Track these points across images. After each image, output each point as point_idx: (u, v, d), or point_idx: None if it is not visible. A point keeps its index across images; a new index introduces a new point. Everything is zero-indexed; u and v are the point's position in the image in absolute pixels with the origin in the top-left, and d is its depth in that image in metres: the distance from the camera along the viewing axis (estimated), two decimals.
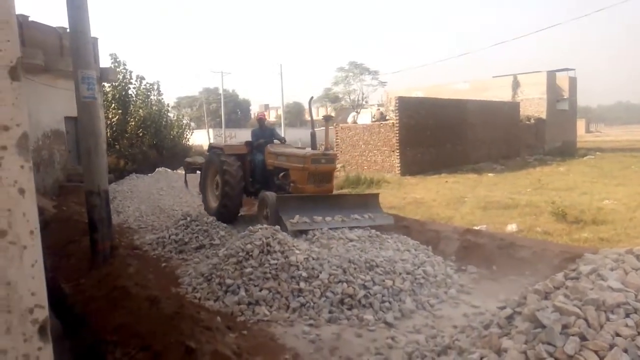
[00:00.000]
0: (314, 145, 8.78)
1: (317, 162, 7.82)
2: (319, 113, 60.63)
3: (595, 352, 2.33)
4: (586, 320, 2.48)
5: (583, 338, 2.40)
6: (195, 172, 10.71)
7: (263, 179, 8.74)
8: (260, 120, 9.75)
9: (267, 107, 71.07)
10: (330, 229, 6.88)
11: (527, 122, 27.95)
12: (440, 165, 19.34)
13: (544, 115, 29.14)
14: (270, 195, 7.49)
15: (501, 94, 29.44)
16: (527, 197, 11.59)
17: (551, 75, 30.54)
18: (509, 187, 13.68)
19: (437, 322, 4.29)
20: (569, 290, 2.77)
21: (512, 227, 8.05)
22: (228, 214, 8.45)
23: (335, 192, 9.82)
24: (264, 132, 9.31)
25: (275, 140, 9.35)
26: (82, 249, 6.63)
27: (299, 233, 6.77)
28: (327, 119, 9.25)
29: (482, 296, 4.92)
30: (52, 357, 1.25)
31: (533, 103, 29.35)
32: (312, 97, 9.55)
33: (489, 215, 9.39)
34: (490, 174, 17.95)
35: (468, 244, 6.48)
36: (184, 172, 11.36)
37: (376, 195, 8.50)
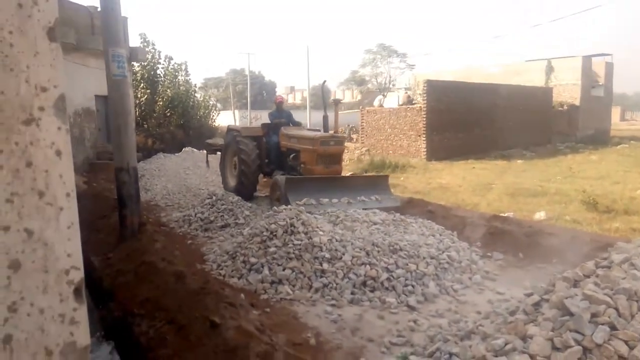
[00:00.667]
0: (326, 128, 8.94)
1: (326, 144, 8.04)
2: (344, 96, 60.30)
3: (625, 342, 2.27)
4: (617, 309, 2.41)
5: (613, 327, 2.34)
6: (216, 153, 11.06)
7: (277, 160, 9.01)
8: (280, 103, 10.01)
9: (292, 89, 70.97)
10: (339, 210, 7.01)
11: (560, 109, 27.17)
12: (467, 151, 19.01)
13: (577, 102, 28.24)
14: (281, 178, 7.71)
15: (534, 78, 28.63)
16: (557, 185, 11.32)
17: (587, 60, 29.47)
18: (538, 175, 13.39)
19: (460, 307, 4.25)
20: (599, 278, 2.69)
21: (540, 215, 7.89)
22: (245, 191, 8.74)
23: (347, 173, 10.27)
24: (281, 115, 9.57)
25: (291, 124, 9.60)
26: (111, 224, 6.80)
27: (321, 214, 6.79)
28: (336, 102, 9.42)
29: (507, 283, 4.85)
30: (87, 318, 1.29)
31: (567, 89, 28.46)
32: (324, 81, 10.09)
33: (516, 203, 9.22)
34: (519, 161, 17.58)
35: (494, 231, 6.37)
36: (205, 153, 11.72)
37: (385, 177, 8.71)
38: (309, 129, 9.94)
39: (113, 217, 6.80)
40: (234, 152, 9.22)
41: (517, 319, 2.73)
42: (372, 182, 8.35)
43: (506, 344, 2.56)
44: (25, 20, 1.14)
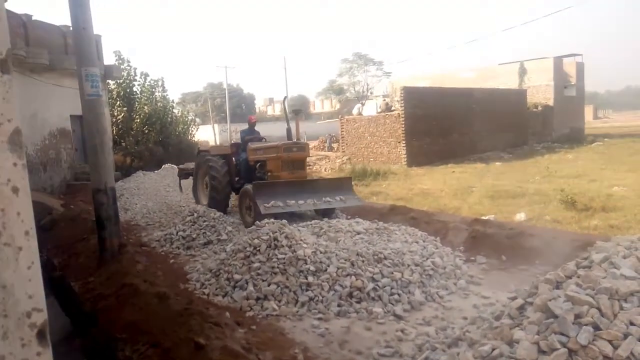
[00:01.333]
0: (289, 138, 9.30)
1: (289, 151, 8.47)
2: (323, 106, 60.57)
3: (609, 341, 2.29)
4: (599, 309, 2.44)
5: (596, 328, 2.36)
6: (188, 178, 11.27)
7: (247, 175, 9.29)
8: (253, 123, 10.45)
9: (271, 100, 70.99)
10: (304, 211, 7.42)
11: (535, 110, 27.69)
12: (447, 156, 19.23)
13: (551, 102, 28.86)
14: (249, 186, 8.02)
15: (508, 81, 29.18)
16: (536, 185, 11.50)
17: (558, 61, 30.20)
18: (517, 176, 13.58)
19: (447, 314, 4.25)
20: (581, 279, 2.73)
21: (520, 216, 7.99)
22: (217, 207, 8.85)
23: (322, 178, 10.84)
24: (252, 133, 10.01)
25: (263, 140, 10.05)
26: (91, 247, 6.66)
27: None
28: (297, 112, 10.05)
29: (492, 287, 4.88)
30: None
31: (540, 90, 29.07)
32: (285, 97, 11.14)
33: (497, 205, 9.32)
34: (497, 163, 17.84)
35: (477, 234, 6.42)
36: (178, 179, 12.01)
37: (349, 179, 9.17)
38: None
39: (92, 240, 6.66)
40: (204, 171, 9.51)
41: (503, 323, 2.74)
42: (336, 184, 8.75)
43: (493, 350, 2.57)
44: None
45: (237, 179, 9.45)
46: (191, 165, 11.46)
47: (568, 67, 31.26)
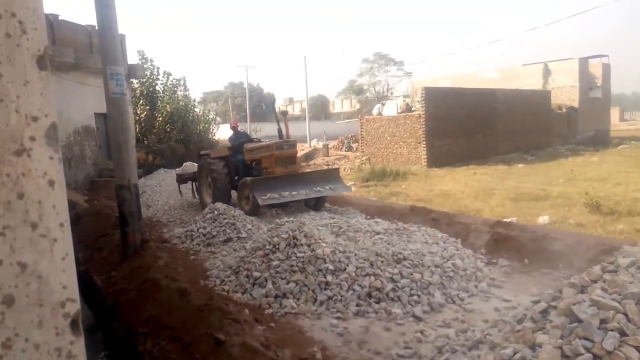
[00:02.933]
0: (280, 137, 10.29)
1: (281, 148, 9.46)
2: (343, 106, 60.46)
3: (636, 347, 2.23)
4: (626, 314, 2.38)
5: (622, 333, 2.30)
6: (186, 182, 11.81)
7: (245, 173, 9.97)
8: (234, 127, 11.88)
9: (291, 100, 71.21)
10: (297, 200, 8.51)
11: (559, 111, 27.20)
12: (468, 157, 19.02)
13: (576, 104, 28.30)
14: (248, 179, 8.96)
15: (532, 82, 28.72)
16: (559, 188, 11.29)
17: (584, 62, 29.59)
18: (540, 178, 13.36)
19: (467, 316, 4.20)
20: (607, 283, 2.66)
21: (544, 219, 7.86)
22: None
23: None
24: (239, 136, 11.22)
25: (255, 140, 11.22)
26: (114, 242, 6.77)
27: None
28: (284, 114, 11.04)
29: (513, 290, 4.80)
30: (84, 350, 1.25)
31: (565, 91, 28.53)
32: (274, 100, 13.47)
33: (519, 207, 9.18)
34: (520, 165, 17.57)
35: (498, 237, 6.33)
36: (177, 184, 12.32)
37: (336, 170, 10.37)
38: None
39: (115, 235, 6.78)
40: (206, 173, 10.26)
41: (525, 327, 2.70)
42: (325, 174, 9.78)
43: (515, 353, 2.53)
44: (14, 50, 1.13)
45: (236, 177, 10.14)
46: (188, 169, 12.16)
47: (594, 68, 30.60)
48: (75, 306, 1.22)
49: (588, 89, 29.68)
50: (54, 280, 1.18)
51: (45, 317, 1.17)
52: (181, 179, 12.00)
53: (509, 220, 7.58)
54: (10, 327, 1.12)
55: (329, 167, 12.61)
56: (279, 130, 10.34)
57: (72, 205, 10.22)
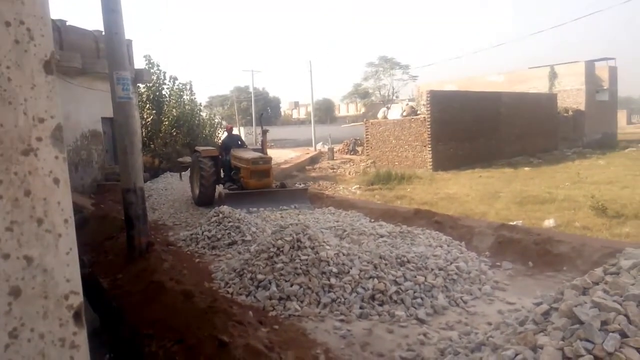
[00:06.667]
0: (263, 150, 11.92)
1: (256, 163, 10.54)
2: (348, 109, 60.52)
3: (637, 349, 2.23)
4: (627, 316, 2.38)
5: (623, 335, 2.31)
6: (186, 169, 13.57)
7: (227, 173, 11.60)
8: (230, 130, 13.00)
9: (296, 104, 71.38)
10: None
11: (565, 114, 27.09)
12: (473, 160, 18.97)
13: (582, 107, 28.17)
14: (224, 192, 10.67)
15: (538, 85, 28.64)
16: (565, 191, 11.25)
17: (590, 65, 29.47)
18: (546, 182, 13.32)
19: (470, 319, 4.20)
20: (608, 285, 2.67)
21: (549, 222, 7.84)
22: (205, 198, 11.09)
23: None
24: (232, 139, 12.30)
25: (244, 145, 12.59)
26: (120, 245, 6.83)
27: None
28: (264, 132, 12.45)
29: (517, 293, 4.80)
30: (87, 342, 1.30)
31: (571, 94, 28.42)
32: (262, 114, 14.53)
33: (525, 211, 9.16)
34: (526, 168, 17.51)
35: (503, 240, 6.32)
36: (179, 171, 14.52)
37: (304, 190, 11.65)
38: (253, 149, 12.44)
39: (121, 238, 6.83)
40: (197, 169, 11.43)
41: (527, 329, 2.71)
42: (294, 194, 10.86)
43: (516, 355, 2.54)
44: (22, 55, 1.20)
45: (222, 175, 11.65)
46: (188, 159, 13.93)
47: (600, 71, 30.45)
48: (78, 298, 1.27)
49: (595, 92, 29.54)
50: (59, 274, 1.24)
51: (49, 308, 1.22)
52: (181, 167, 14.17)
53: (514, 223, 7.57)
54: (17, 318, 1.17)
55: (302, 186, 13.95)
56: (263, 143, 12.20)
57: (78, 209, 10.30)
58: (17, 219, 1.18)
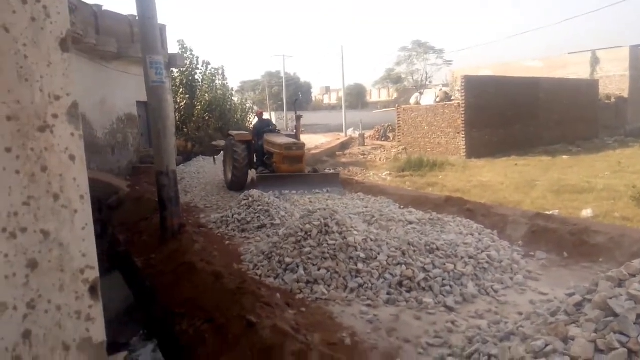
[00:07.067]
0: (297, 136, 11.97)
1: (289, 149, 10.54)
2: (380, 95, 59.82)
3: None
4: None
5: None
6: (219, 153, 13.54)
7: (260, 158, 11.68)
8: (260, 114, 13.04)
9: (328, 89, 70.99)
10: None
11: (607, 101, 26.01)
12: (509, 148, 18.50)
13: (625, 94, 26.98)
14: (255, 176, 10.80)
15: (578, 71, 27.56)
16: (605, 180, 10.85)
17: (635, 49, 28.08)
18: (585, 171, 12.87)
19: (501, 308, 4.12)
20: None
21: (587, 212, 7.59)
22: (237, 183, 11.16)
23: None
24: (262, 124, 12.29)
25: (277, 129, 12.78)
26: (154, 226, 7.01)
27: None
28: (299, 118, 12.47)
29: (551, 283, 4.68)
30: (102, 314, 1.34)
31: (614, 80, 27.24)
32: (296, 100, 14.58)
33: (562, 200, 8.90)
34: (564, 157, 16.97)
35: (537, 229, 6.15)
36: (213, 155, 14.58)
37: (336, 174, 11.57)
38: (286, 134, 12.44)
39: (155, 219, 7.01)
40: (230, 153, 11.50)
41: (558, 319, 2.64)
42: (326, 178, 10.88)
43: (546, 346, 2.48)
44: (39, 33, 1.21)
45: (255, 160, 11.75)
46: (221, 143, 14.03)
47: None
48: (94, 273, 1.30)
49: (639, 78, 28.20)
50: (74, 249, 1.27)
51: (65, 282, 1.26)
52: (215, 150, 14.30)
53: (550, 213, 7.36)
54: (34, 289, 1.21)
55: (333, 171, 13.91)
56: (297, 128, 12.16)
57: (115, 191, 10.61)
58: (34, 194, 1.21)
